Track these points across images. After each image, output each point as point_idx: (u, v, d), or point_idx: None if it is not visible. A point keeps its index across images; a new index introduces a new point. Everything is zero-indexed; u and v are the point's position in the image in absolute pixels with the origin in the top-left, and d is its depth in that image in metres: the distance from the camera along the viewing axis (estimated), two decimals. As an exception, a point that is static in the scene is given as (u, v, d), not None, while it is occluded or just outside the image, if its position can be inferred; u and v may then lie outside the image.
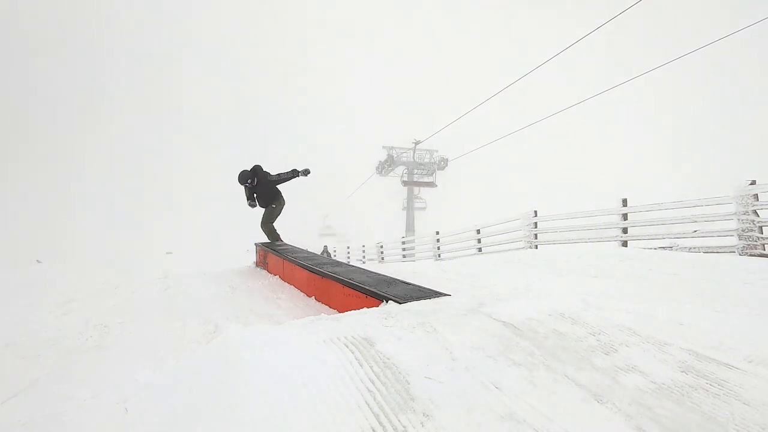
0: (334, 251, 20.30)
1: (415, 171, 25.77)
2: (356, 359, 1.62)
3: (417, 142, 23.63)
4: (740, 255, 5.95)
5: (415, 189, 25.73)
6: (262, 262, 8.17)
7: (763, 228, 5.95)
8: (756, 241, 5.90)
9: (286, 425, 1.21)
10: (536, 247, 9.07)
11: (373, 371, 1.53)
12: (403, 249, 15.26)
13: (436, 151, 25.90)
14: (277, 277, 6.58)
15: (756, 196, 5.93)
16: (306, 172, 7.48)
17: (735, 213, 6.13)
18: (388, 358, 1.64)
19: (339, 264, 5.35)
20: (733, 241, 6.31)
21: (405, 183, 25.63)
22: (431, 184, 25.70)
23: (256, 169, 7.52)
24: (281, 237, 7.88)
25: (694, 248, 6.77)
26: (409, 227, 25.24)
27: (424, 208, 25.64)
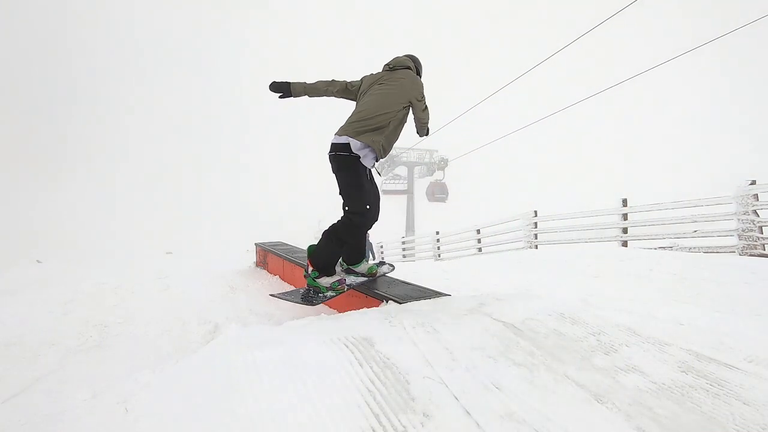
0: None
1: (416, 170, 25.73)
2: (356, 359, 1.62)
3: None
4: (740, 255, 5.96)
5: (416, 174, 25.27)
6: (262, 262, 8.18)
7: (763, 228, 5.95)
8: (756, 241, 5.90)
9: (286, 425, 1.21)
10: (536, 247, 9.06)
11: (373, 371, 1.53)
12: (403, 249, 15.27)
13: (436, 150, 25.89)
14: (277, 277, 6.58)
15: (756, 196, 5.93)
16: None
17: (735, 213, 6.13)
18: (388, 358, 1.64)
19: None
20: (733, 241, 6.31)
21: (384, 192, 25.37)
22: (407, 191, 25.18)
23: None
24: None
25: (694, 248, 6.77)
26: (409, 227, 25.20)
27: (405, 190, 24.77)
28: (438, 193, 24.51)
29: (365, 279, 3.29)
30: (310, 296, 2.84)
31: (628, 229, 7.75)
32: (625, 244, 7.66)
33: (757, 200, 5.97)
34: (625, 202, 7.65)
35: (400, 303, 2.80)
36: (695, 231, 6.98)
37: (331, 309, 4.27)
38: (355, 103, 2.94)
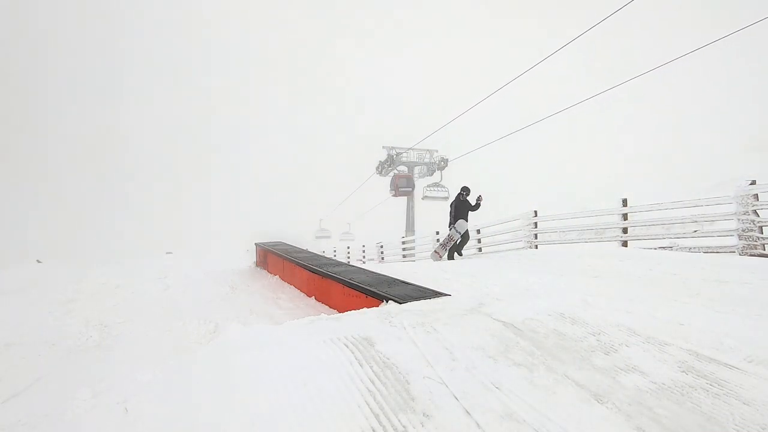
0: (334, 252, 20.23)
1: (416, 170, 25.70)
2: (356, 359, 1.62)
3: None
4: (740, 255, 5.95)
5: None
6: (262, 262, 8.17)
7: (763, 228, 5.95)
8: (756, 241, 5.90)
9: (287, 425, 1.21)
10: (536, 247, 9.06)
11: (373, 371, 1.53)
12: (403, 249, 15.27)
13: (436, 151, 25.87)
14: (277, 277, 6.58)
15: (756, 196, 5.92)
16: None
17: (735, 213, 6.12)
18: (388, 358, 1.64)
19: (339, 264, 5.35)
20: (733, 241, 6.29)
21: (425, 198, 24.20)
22: (447, 198, 24.55)
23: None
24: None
25: (694, 248, 6.76)
26: (409, 227, 25.17)
27: (353, 240, 23.91)
28: (402, 186, 22.77)
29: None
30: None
31: (628, 229, 7.74)
32: (625, 244, 7.65)
33: (757, 200, 5.96)
34: (625, 202, 7.65)
35: (400, 303, 2.80)
36: (695, 231, 6.98)
37: (331, 309, 4.27)
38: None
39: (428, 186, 24.25)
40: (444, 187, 23.90)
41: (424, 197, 23.73)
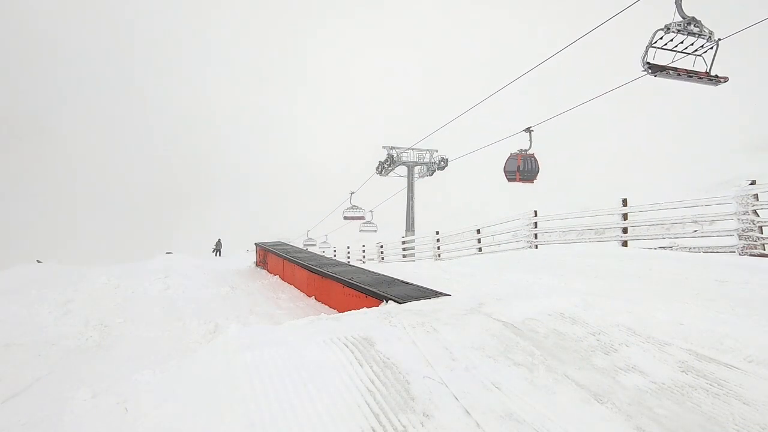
0: (334, 252, 20.25)
1: (416, 170, 25.70)
2: (356, 359, 1.62)
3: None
4: (740, 255, 5.95)
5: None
6: (262, 262, 8.17)
7: (763, 228, 5.95)
8: (756, 240, 5.90)
9: (287, 425, 1.21)
10: (536, 246, 9.06)
11: (373, 371, 1.53)
12: (403, 249, 15.27)
13: (436, 150, 25.88)
14: (277, 277, 6.58)
15: (756, 196, 5.92)
16: None
17: (735, 213, 6.12)
18: (388, 358, 1.64)
19: (339, 264, 5.35)
20: (733, 240, 6.30)
21: (345, 218, 23.01)
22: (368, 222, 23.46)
23: None
24: None
25: (694, 248, 6.76)
26: (409, 227, 25.15)
27: (375, 231, 23.81)
28: (308, 243, 24.31)
29: None
30: None
31: (628, 229, 7.74)
32: (625, 244, 7.65)
33: (757, 200, 5.96)
34: (625, 202, 7.64)
35: (400, 303, 2.80)
36: (695, 231, 6.98)
37: (331, 309, 4.27)
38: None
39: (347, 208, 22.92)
40: (373, 224, 22.94)
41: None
